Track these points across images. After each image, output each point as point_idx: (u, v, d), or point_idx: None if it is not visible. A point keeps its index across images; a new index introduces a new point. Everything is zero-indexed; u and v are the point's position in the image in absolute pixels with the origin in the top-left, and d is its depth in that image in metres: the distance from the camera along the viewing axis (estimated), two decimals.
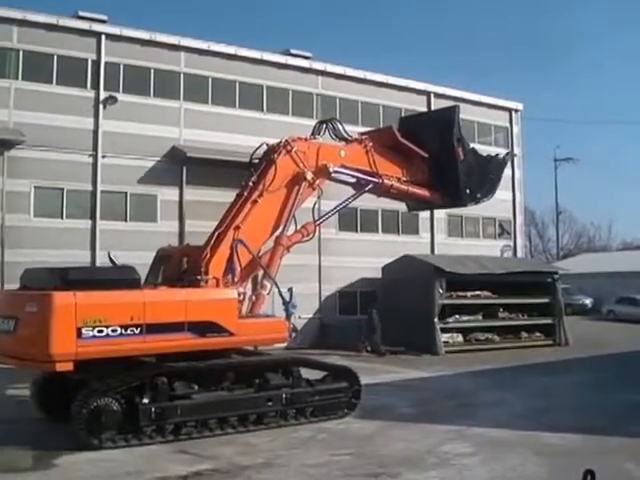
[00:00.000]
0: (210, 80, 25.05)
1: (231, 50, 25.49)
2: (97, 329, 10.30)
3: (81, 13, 23.36)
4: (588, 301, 43.75)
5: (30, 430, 11.53)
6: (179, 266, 12.76)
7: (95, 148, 22.70)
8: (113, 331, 10.45)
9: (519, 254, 33.03)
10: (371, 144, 15.06)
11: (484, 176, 16.58)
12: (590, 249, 70.75)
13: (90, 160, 22.63)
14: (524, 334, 26.36)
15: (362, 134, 15.73)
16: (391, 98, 29.10)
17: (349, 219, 26.86)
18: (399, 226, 28.82)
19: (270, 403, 11.98)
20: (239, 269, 12.54)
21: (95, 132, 22.76)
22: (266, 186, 13.22)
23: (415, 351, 23.16)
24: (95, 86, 22.90)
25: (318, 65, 27.56)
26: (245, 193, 13.23)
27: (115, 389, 10.55)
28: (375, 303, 25.18)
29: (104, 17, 23.71)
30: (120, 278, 11.21)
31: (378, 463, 9.79)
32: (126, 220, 23.07)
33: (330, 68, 27.81)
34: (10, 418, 12.38)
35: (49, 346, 10.01)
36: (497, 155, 17.52)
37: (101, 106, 22.84)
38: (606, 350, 24.62)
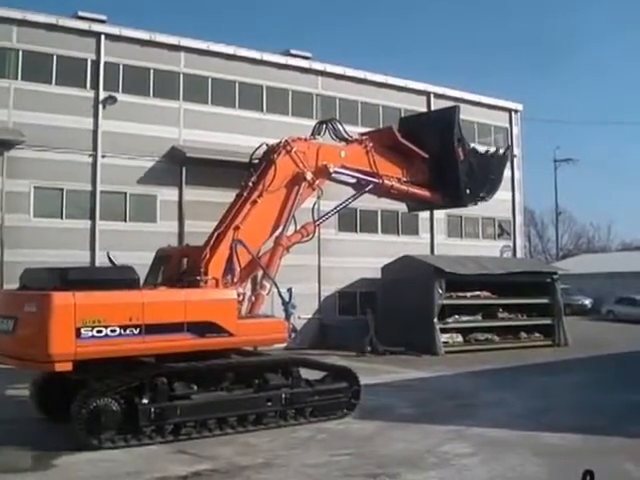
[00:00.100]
0: (210, 80, 25.05)
1: (231, 50, 25.49)
2: (96, 329, 10.30)
3: (81, 13, 23.35)
4: (587, 301, 43.77)
5: (30, 430, 11.52)
6: (179, 266, 12.78)
7: (95, 148, 22.70)
8: (112, 331, 10.44)
9: (518, 254, 33.03)
10: (371, 144, 15.06)
11: (485, 176, 16.60)
12: (589, 249, 70.84)
13: (90, 160, 22.63)
14: (523, 334, 26.36)
15: (362, 134, 15.74)
16: (391, 98, 29.11)
17: (349, 219, 26.86)
18: (399, 226, 28.82)
19: (269, 403, 11.98)
20: (238, 269, 12.53)
21: (95, 132, 22.75)
22: (266, 186, 13.22)
23: (415, 351, 23.15)
24: (95, 86, 22.90)
25: (318, 65, 27.56)
26: (245, 193, 13.22)
27: (114, 389, 10.55)
28: (370, 303, 25.21)
29: (104, 17, 23.71)
30: (119, 278, 11.21)
31: (377, 463, 9.78)
32: (126, 220, 23.06)
33: (330, 68, 27.81)
34: (10, 418, 12.37)
35: (48, 346, 10.00)
36: (497, 150, 17.48)
37: (101, 106, 22.84)
38: (605, 350, 24.63)
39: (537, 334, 26.69)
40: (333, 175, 14.41)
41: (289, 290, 14.66)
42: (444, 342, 24.03)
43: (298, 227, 14.07)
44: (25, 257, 19.19)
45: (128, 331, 10.58)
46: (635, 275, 41.71)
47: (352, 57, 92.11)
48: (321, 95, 27.50)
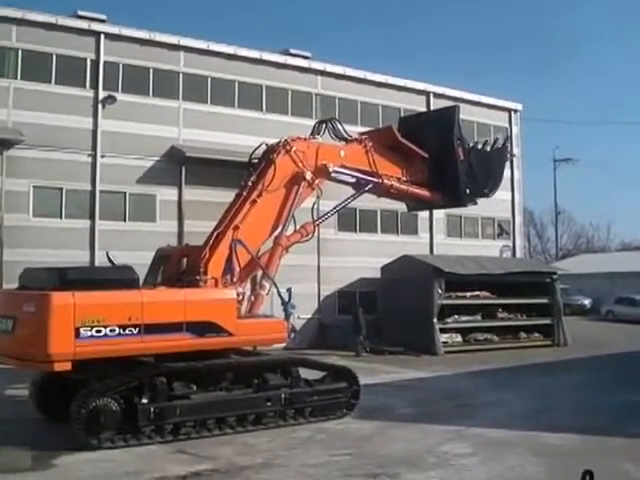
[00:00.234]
0: (209, 80, 25.04)
1: (230, 50, 25.48)
2: (95, 329, 10.29)
3: (80, 12, 23.34)
4: (587, 301, 43.75)
5: (29, 430, 11.52)
6: (178, 266, 12.78)
7: (94, 148, 22.69)
8: (111, 331, 10.44)
9: (518, 254, 33.03)
10: (371, 144, 15.05)
11: (487, 172, 16.59)
12: (589, 249, 70.83)
13: (89, 160, 22.62)
14: (523, 334, 26.38)
15: (362, 134, 15.72)
16: (390, 98, 29.10)
17: (348, 219, 26.86)
18: (398, 226, 28.81)
19: (269, 403, 11.98)
20: (238, 269, 12.53)
21: (94, 132, 22.74)
22: (265, 186, 13.21)
23: (414, 351, 23.15)
24: (94, 86, 22.89)
25: (317, 65, 27.55)
26: (244, 193, 13.21)
27: (114, 389, 10.54)
28: (360, 302, 25.36)
29: (103, 16, 23.70)
30: (119, 278, 11.21)
31: (377, 463, 9.78)
32: (125, 220, 23.05)
33: (329, 68, 27.81)
34: (9, 418, 12.36)
35: (47, 346, 10.00)
36: (496, 142, 17.33)
37: (100, 106, 22.83)
38: (605, 350, 24.64)
39: (536, 334, 26.70)
40: (333, 175, 14.40)
41: (288, 290, 14.66)
42: (443, 342, 24.04)
43: (297, 227, 14.05)
44: (24, 257, 19.17)
45: (127, 331, 10.57)
46: (634, 275, 41.70)
47: (352, 57, 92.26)
48: (321, 95, 27.50)
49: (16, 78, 21.75)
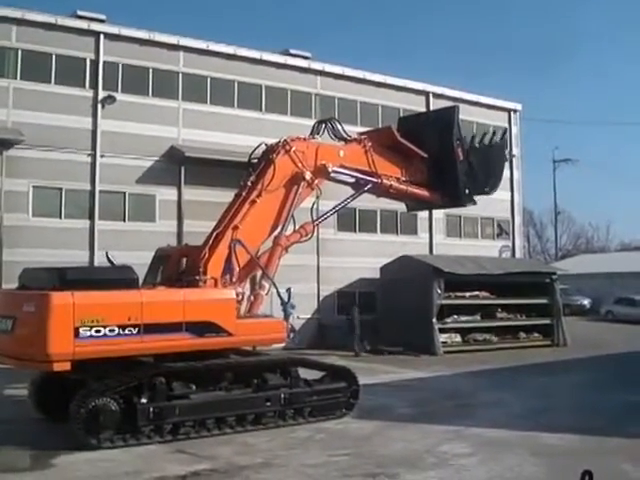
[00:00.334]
0: (209, 80, 25.04)
1: (230, 50, 25.48)
2: (95, 329, 10.30)
3: (80, 12, 23.33)
4: (586, 302, 43.76)
5: (28, 430, 11.52)
6: (178, 266, 12.78)
7: (94, 148, 22.68)
8: (111, 331, 10.44)
9: (517, 254, 33.03)
10: (370, 144, 15.05)
11: (487, 170, 16.58)
12: (588, 250, 70.84)
13: (89, 160, 22.61)
14: (522, 334, 26.38)
15: (361, 134, 15.73)
16: (390, 98, 29.10)
17: (348, 219, 26.86)
18: (398, 226, 28.81)
19: (268, 403, 11.99)
20: (237, 269, 12.53)
21: (94, 132, 22.74)
22: (265, 186, 13.21)
23: (413, 351, 23.16)
24: (94, 85, 22.88)
25: (317, 65, 27.56)
26: (243, 193, 13.21)
27: (113, 389, 10.54)
28: (354, 302, 25.45)
29: (103, 16, 23.69)
30: (118, 278, 11.21)
31: (376, 463, 9.79)
32: (124, 220, 23.05)
33: (329, 68, 27.81)
34: (8, 418, 12.36)
35: (47, 346, 10.00)
36: (494, 135, 17.28)
37: (100, 106, 22.82)
38: (604, 351, 24.64)
39: (536, 334, 26.71)
40: (332, 175, 14.40)
41: (288, 290, 14.67)
42: (443, 342, 24.04)
43: (297, 227, 14.05)
44: (24, 257, 19.17)
45: (127, 331, 10.58)
46: (634, 275, 41.71)
47: (351, 57, 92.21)
48: (320, 95, 27.49)
49: (16, 78, 21.75)
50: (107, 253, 13.22)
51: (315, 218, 14.59)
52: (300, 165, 13.70)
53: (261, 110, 26.05)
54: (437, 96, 30.02)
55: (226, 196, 14.16)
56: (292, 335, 13.56)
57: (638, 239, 72.39)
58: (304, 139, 14.22)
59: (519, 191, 33.17)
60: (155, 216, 23.55)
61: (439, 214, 28.63)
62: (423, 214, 27.57)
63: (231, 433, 11.42)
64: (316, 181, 14.00)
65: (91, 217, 22.48)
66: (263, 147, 13.86)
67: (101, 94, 22.83)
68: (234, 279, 12.44)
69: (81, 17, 23.21)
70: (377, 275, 26.36)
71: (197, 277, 12.01)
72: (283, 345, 14.64)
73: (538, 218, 72.60)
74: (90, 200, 22.52)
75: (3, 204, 21.09)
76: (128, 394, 10.64)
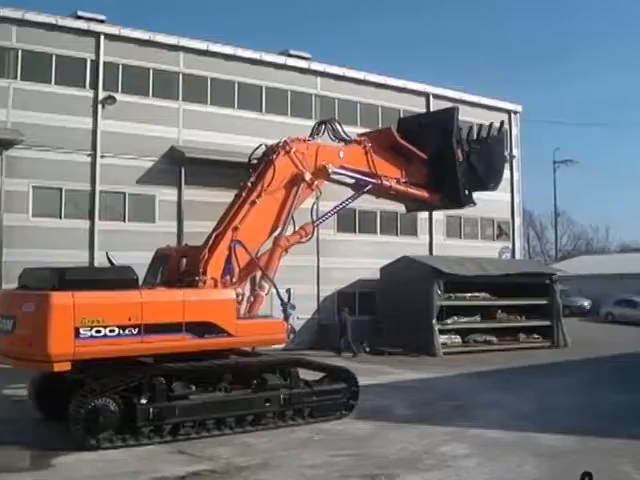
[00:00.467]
0: (209, 80, 25.03)
1: (230, 50, 25.48)
2: (95, 329, 10.30)
3: (80, 13, 23.30)
4: (586, 303, 43.77)
5: (28, 430, 11.52)
6: (177, 266, 12.77)
7: (94, 148, 22.66)
8: (111, 331, 10.45)
9: (517, 256, 33.01)
10: (370, 145, 15.04)
11: (488, 167, 16.54)
12: (588, 251, 70.84)
13: (89, 160, 22.59)
14: (522, 336, 26.38)
15: (361, 135, 15.73)
16: (390, 99, 29.10)
17: (348, 220, 26.84)
18: (398, 227, 28.80)
19: (268, 404, 11.99)
20: (237, 270, 12.54)
21: (94, 132, 22.72)
22: (265, 187, 13.21)
23: (413, 352, 23.16)
24: (94, 86, 22.86)
25: (317, 66, 27.55)
26: (243, 194, 13.22)
27: (113, 389, 10.55)
28: (346, 303, 25.43)
29: (103, 17, 23.67)
30: (118, 278, 11.22)
31: (376, 464, 9.79)
32: (124, 220, 23.03)
33: (329, 69, 27.79)
34: (8, 418, 12.36)
35: (47, 346, 10.01)
36: (491, 127, 17.09)
37: (100, 106, 22.79)
38: (604, 352, 24.64)
39: (536, 335, 26.71)
40: (332, 176, 14.40)
41: (288, 291, 14.66)
42: (443, 343, 24.03)
43: (297, 228, 14.05)
44: (24, 257, 19.13)
45: (127, 331, 10.59)
46: (634, 277, 41.71)
47: (351, 58, 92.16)
48: (320, 95, 27.49)
49: (16, 78, 21.72)
50: (107, 253, 13.25)
51: (315, 219, 14.61)
52: (300, 166, 13.70)
53: (261, 111, 26.04)
54: (437, 97, 30.01)
55: (226, 197, 14.16)
56: (292, 336, 13.53)
57: (638, 240, 72.54)
58: (304, 140, 14.22)
59: (519, 192, 33.16)
60: (155, 216, 23.54)
61: (439, 215, 28.62)
62: (423, 215, 27.57)
63: (231, 434, 11.43)
64: (316, 182, 14.01)
65: (91, 217, 22.46)
66: (263, 148, 13.87)
67: (101, 94, 22.81)
68: (234, 280, 12.45)
69: (81, 17, 23.18)
70: (377, 276, 26.36)
71: (197, 277, 12.01)
72: (283, 346, 14.63)
73: (538, 219, 72.75)
74: (90, 200, 22.51)
75: (3, 204, 21.07)
76: (128, 394, 10.65)
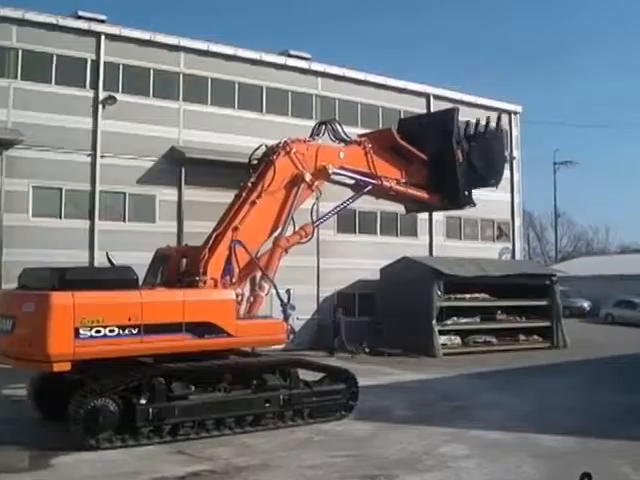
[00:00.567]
0: (209, 81, 25.03)
1: (230, 51, 25.48)
2: (95, 329, 10.31)
3: (80, 13, 23.30)
4: (586, 304, 43.79)
5: (27, 430, 11.52)
6: (177, 267, 12.77)
7: (94, 148, 22.66)
8: (111, 331, 10.45)
9: (517, 256, 33.01)
10: (370, 146, 15.04)
11: (488, 163, 16.53)
12: (588, 252, 70.88)
13: (89, 160, 22.59)
14: (522, 336, 26.35)
15: (361, 136, 15.73)
16: (390, 100, 29.10)
17: (348, 221, 26.84)
18: (398, 228, 28.79)
19: (267, 404, 11.99)
20: (237, 270, 12.54)
21: (94, 132, 22.71)
22: (265, 187, 13.21)
23: (413, 353, 23.15)
24: (94, 86, 22.86)
25: (317, 66, 27.55)
26: (244, 194, 13.22)
27: (112, 389, 10.54)
28: (340, 303, 25.50)
29: (103, 17, 23.67)
30: (118, 278, 11.22)
31: (375, 465, 9.79)
32: (124, 220, 23.03)
33: (329, 69, 27.79)
34: (7, 418, 12.36)
35: (46, 346, 10.01)
36: (488, 124, 17.04)
37: (100, 106, 22.79)
38: (604, 353, 24.64)
39: (536, 336, 26.69)
40: (332, 176, 14.40)
41: (288, 291, 14.66)
42: (442, 344, 24.02)
43: (297, 228, 14.05)
44: (24, 257, 19.14)
45: (127, 331, 10.59)
46: (634, 278, 41.71)
47: (351, 58, 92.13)
48: (320, 96, 27.49)
49: (16, 78, 21.72)
50: (107, 253, 13.24)
51: (315, 219, 14.61)
52: (300, 166, 13.70)
53: (261, 111, 26.04)
54: (438, 98, 30.00)
55: (226, 197, 14.16)
56: (292, 336, 13.53)
57: (638, 241, 72.54)
58: (304, 140, 14.23)
59: (519, 193, 33.14)
60: (155, 216, 23.54)
61: (439, 216, 28.61)
62: (423, 216, 27.55)
63: (230, 434, 11.42)
64: (316, 182, 14.01)
65: (91, 217, 22.46)
66: (263, 148, 13.88)
67: (101, 94, 22.80)
68: (234, 280, 12.45)
69: (82, 17, 23.18)
70: (377, 277, 26.36)
71: (197, 278, 12.01)
72: (282, 346, 14.63)
73: (538, 220, 72.76)
74: (90, 200, 22.50)
75: (3, 204, 21.07)
76: (127, 395, 10.65)
